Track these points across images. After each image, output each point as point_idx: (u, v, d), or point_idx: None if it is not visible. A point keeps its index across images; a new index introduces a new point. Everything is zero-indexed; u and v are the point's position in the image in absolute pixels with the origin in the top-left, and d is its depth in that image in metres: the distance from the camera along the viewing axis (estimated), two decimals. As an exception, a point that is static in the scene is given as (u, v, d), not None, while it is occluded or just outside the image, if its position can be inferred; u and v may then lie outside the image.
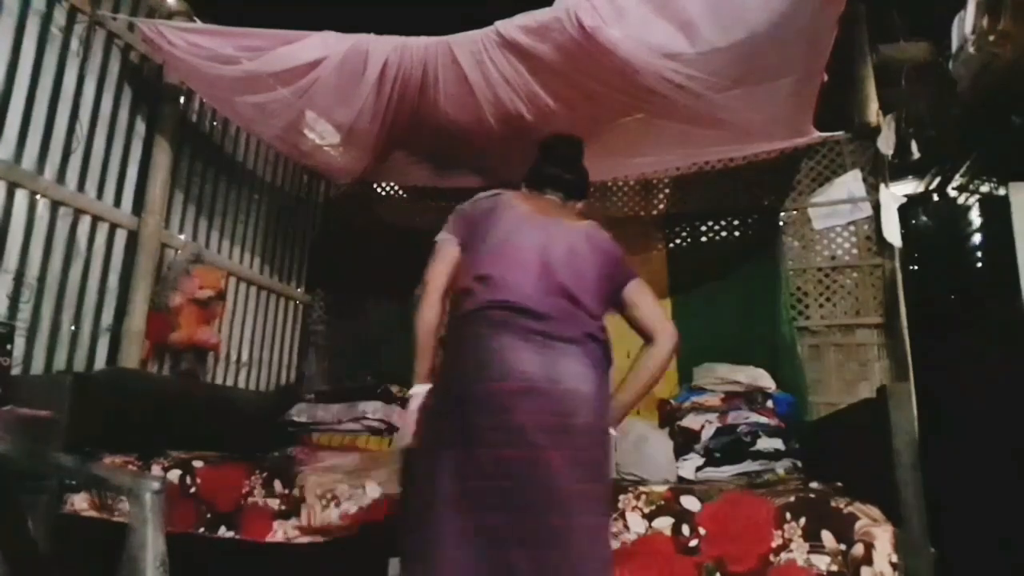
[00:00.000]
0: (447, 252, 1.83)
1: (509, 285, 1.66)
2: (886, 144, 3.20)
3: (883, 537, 1.66)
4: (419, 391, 1.75)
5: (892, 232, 3.13)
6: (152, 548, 1.47)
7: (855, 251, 3.33)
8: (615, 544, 1.88)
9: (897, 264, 3.16)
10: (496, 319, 1.62)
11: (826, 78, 2.75)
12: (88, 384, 2.40)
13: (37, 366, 2.60)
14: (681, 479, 2.62)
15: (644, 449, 2.75)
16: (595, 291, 1.74)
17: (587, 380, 1.62)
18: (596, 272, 1.76)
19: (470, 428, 1.55)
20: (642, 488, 2.01)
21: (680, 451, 2.74)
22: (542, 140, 2.04)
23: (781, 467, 2.64)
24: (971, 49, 2.86)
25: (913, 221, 4.09)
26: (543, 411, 1.55)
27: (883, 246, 3.20)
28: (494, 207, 1.82)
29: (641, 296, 1.82)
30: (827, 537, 1.73)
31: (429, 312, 1.77)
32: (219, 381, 3.53)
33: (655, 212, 3.72)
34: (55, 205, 2.71)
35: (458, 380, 1.62)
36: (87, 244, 2.86)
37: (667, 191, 3.71)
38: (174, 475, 2.27)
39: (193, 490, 2.25)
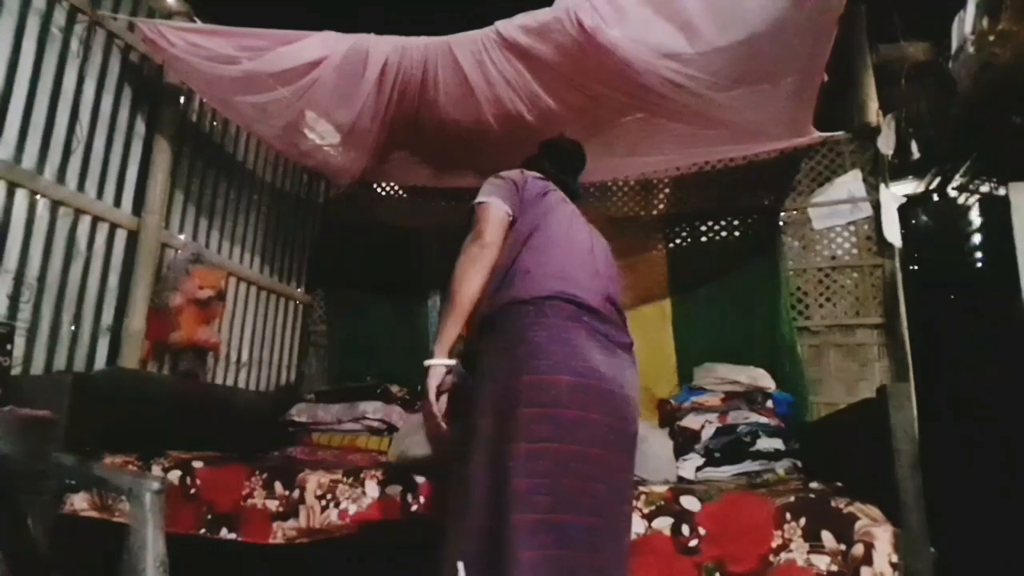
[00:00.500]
0: (501, 217, 1.71)
1: (576, 280, 1.62)
2: (886, 144, 3.20)
3: (883, 537, 1.66)
4: (442, 363, 1.62)
5: (892, 232, 3.13)
6: (152, 548, 1.47)
7: (855, 251, 3.33)
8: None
9: (897, 264, 3.16)
10: (564, 311, 1.57)
11: (826, 78, 2.75)
12: (88, 384, 2.40)
13: (37, 366, 2.60)
14: (681, 479, 2.62)
15: (644, 449, 2.72)
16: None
17: (636, 388, 1.65)
18: (620, 284, 1.80)
19: (554, 418, 1.47)
20: (642, 488, 2.01)
21: (680, 451, 2.74)
22: (547, 140, 2.02)
23: (781, 467, 2.63)
24: (971, 49, 2.87)
25: (913, 221, 4.09)
26: (615, 414, 1.55)
27: (883, 246, 3.20)
28: (546, 192, 1.78)
29: None
30: (827, 537, 1.73)
31: (481, 277, 1.65)
32: (219, 381, 3.53)
33: (655, 212, 3.71)
34: (55, 205, 2.71)
35: (542, 368, 1.51)
36: (87, 244, 2.86)
37: (667, 191, 3.71)
38: (174, 476, 2.27)
39: (193, 491, 2.25)
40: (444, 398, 1.63)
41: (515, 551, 1.37)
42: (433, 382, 1.63)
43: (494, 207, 1.74)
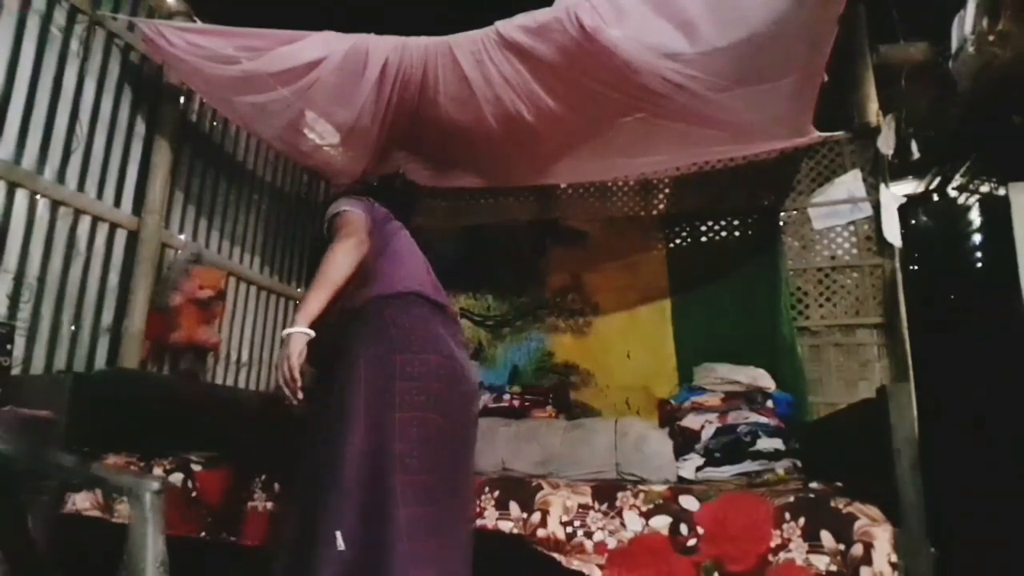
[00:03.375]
0: (364, 221, 1.86)
1: (426, 284, 1.88)
2: (886, 144, 3.20)
3: (883, 537, 1.66)
4: (303, 332, 1.66)
5: (892, 232, 3.13)
6: (152, 548, 1.47)
7: (855, 251, 3.33)
8: (612, 543, 1.89)
9: (897, 264, 3.16)
10: (428, 308, 1.83)
11: (826, 78, 2.75)
12: (88, 384, 2.40)
13: (37, 366, 2.60)
14: (681, 479, 2.62)
15: (644, 449, 2.75)
16: None
17: (475, 374, 1.93)
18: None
19: (429, 392, 1.68)
20: (640, 487, 2.01)
21: (680, 451, 2.74)
22: (383, 175, 2.29)
23: (781, 467, 2.63)
24: (971, 49, 2.86)
25: (913, 221, 4.09)
26: (468, 395, 1.83)
27: (883, 246, 3.20)
28: (389, 219, 1.99)
29: None
30: (826, 537, 1.73)
31: (351, 265, 1.75)
32: (219, 381, 3.53)
33: (655, 212, 3.72)
34: (55, 205, 2.71)
35: (411, 347, 1.71)
36: (87, 244, 2.87)
37: (667, 191, 3.71)
38: (176, 478, 2.26)
39: (194, 494, 2.25)
40: (303, 368, 1.66)
41: (392, 510, 1.54)
42: (295, 348, 1.65)
43: (358, 215, 1.87)
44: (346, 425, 1.63)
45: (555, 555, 1.93)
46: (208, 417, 2.91)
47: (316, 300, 1.70)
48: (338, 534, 1.53)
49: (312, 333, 1.67)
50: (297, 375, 1.64)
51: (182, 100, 3.35)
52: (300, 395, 1.65)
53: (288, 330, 1.68)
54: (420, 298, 1.83)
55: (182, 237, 3.35)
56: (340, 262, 1.74)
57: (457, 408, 1.75)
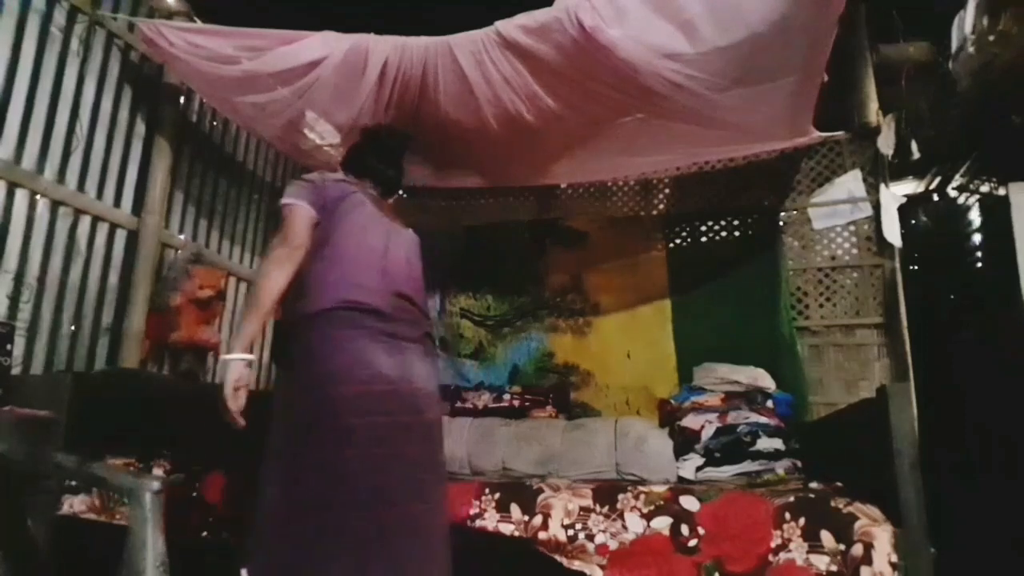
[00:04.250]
0: (305, 218, 1.75)
1: (361, 285, 1.73)
2: (886, 144, 3.20)
3: (883, 537, 1.66)
4: (240, 358, 1.66)
5: (892, 232, 3.13)
6: (152, 548, 1.47)
7: (855, 251, 3.33)
8: (614, 544, 1.89)
9: (897, 264, 3.16)
10: (349, 318, 1.69)
11: (826, 78, 2.75)
12: (88, 384, 2.40)
13: (37, 366, 2.60)
14: (681, 479, 2.62)
15: (644, 449, 2.75)
16: (423, 293, 1.91)
17: (431, 378, 1.77)
18: (422, 278, 1.94)
19: (340, 429, 1.61)
20: (641, 488, 2.02)
21: (680, 451, 2.74)
22: (367, 128, 2.09)
23: (781, 467, 2.63)
24: (971, 49, 2.86)
25: (913, 221, 4.09)
26: (404, 411, 1.68)
27: (883, 246, 3.20)
28: (343, 196, 1.83)
29: None
30: (826, 537, 1.73)
31: (285, 278, 1.70)
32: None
33: (655, 212, 3.71)
34: (55, 205, 2.71)
35: (327, 380, 1.65)
36: (87, 244, 2.86)
37: (667, 191, 3.71)
38: (177, 479, 2.27)
39: (195, 494, 2.25)
40: (242, 393, 1.66)
41: (296, 560, 1.56)
42: (231, 376, 1.64)
43: (301, 209, 1.77)
44: (266, 458, 1.68)
45: (556, 556, 1.94)
46: (208, 417, 2.90)
47: (250, 325, 1.69)
48: (243, 572, 1.61)
49: (250, 357, 1.68)
50: (232, 404, 1.63)
51: (182, 100, 3.35)
52: (241, 421, 1.65)
53: (224, 357, 1.69)
54: (344, 311, 1.70)
55: (182, 237, 3.35)
56: (270, 285, 1.68)
57: (387, 432, 1.65)
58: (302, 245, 1.73)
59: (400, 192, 2.05)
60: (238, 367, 1.64)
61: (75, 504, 2.26)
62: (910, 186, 4.28)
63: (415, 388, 1.72)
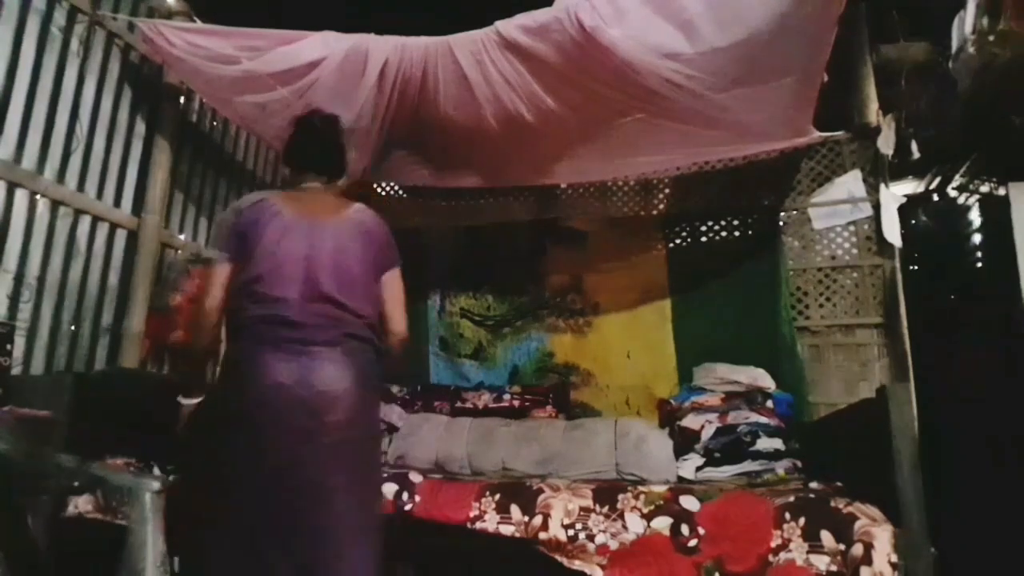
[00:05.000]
0: (221, 275, 1.83)
1: (273, 299, 1.74)
2: (886, 144, 3.20)
3: (883, 537, 1.66)
4: (187, 403, 1.93)
5: (892, 232, 3.12)
6: (152, 548, 1.47)
7: (855, 251, 3.33)
8: (614, 544, 1.89)
9: (897, 264, 3.16)
10: (259, 333, 1.73)
11: (826, 78, 2.74)
12: (88, 384, 2.40)
13: (37, 366, 2.60)
14: (681, 479, 2.62)
15: (644, 449, 2.75)
16: (363, 286, 1.84)
17: (342, 379, 1.72)
18: (363, 266, 1.85)
19: (240, 441, 1.68)
20: (641, 488, 2.02)
21: (680, 451, 2.74)
22: (297, 117, 2.06)
23: (781, 467, 2.64)
24: (971, 49, 2.86)
25: (913, 221, 4.08)
26: (298, 414, 1.67)
27: (883, 246, 3.20)
28: (258, 218, 1.83)
29: (391, 287, 1.92)
30: (826, 537, 1.73)
31: (206, 335, 1.84)
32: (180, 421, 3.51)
33: (655, 212, 3.71)
34: (55, 205, 2.71)
35: (231, 395, 1.74)
36: (87, 244, 2.86)
37: (667, 191, 3.71)
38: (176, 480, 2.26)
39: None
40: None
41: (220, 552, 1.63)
42: (182, 420, 1.91)
43: (218, 269, 1.84)
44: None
45: (557, 556, 1.94)
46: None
47: (193, 375, 1.99)
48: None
49: (196, 400, 1.92)
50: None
51: (182, 100, 3.35)
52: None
53: (183, 401, 1.93)
54: (251, 327, 1.74)
55: (182, 237, 3.35)
56: (198, 341, 1.86)
57: (283, 439, 1.66)
58: (215, 307, 1.80)
59: (344, 176, 2.03)
60: (186, 411, 1.92)
61: (80, 504, 2.26)
62: (910, 186, 4.28)
63: (319, 391, 1.68)
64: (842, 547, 1.70)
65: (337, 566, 1.64)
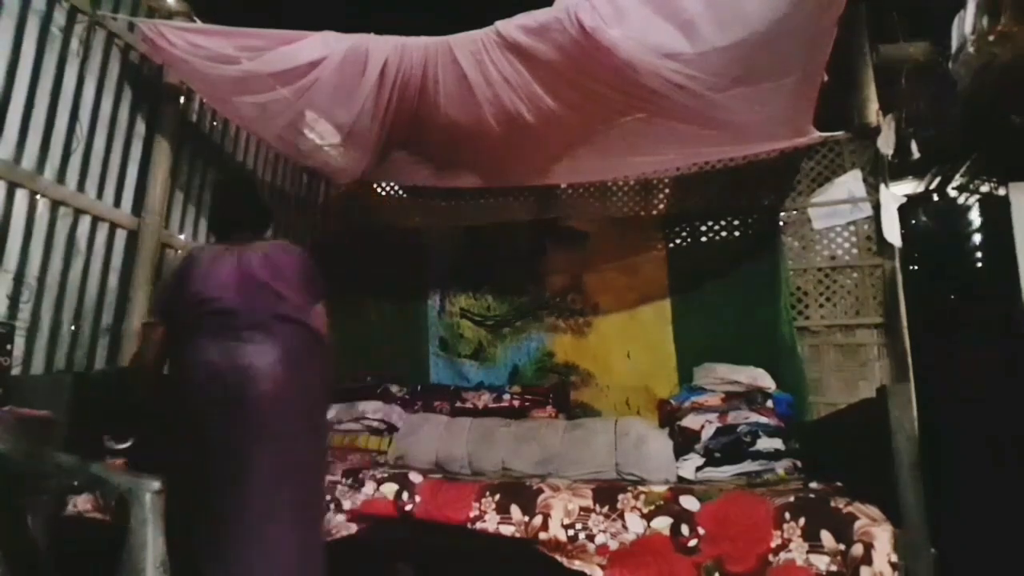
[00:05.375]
0: (158, 335, 1.99)
1: (211, 299, 1.91)
2: (886, 144, 3.20)
3: (882, 537, 1.66)
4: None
5: (892, 232, 3.13)
6: (152, 548, 1.47)
7: (855, 251, 3.33)
8: (614, 544, 1.88)
9: (897, 264, 3.16)
10: (197, 324, 1.89)
11: (826, 78, 2.74)
12: (88, 384, 2.40)
13: (37, 366, 2.60)
14: (681, 479, 2.62)
15: (644, 449, 2.75)
16: (295, 281, 2.00)
17: (266, 353, 1.86)
18: (294, 268, 2.03)
19: (181, 420, 1.84)
20: (641, 488, 2.02)
21: (680, 451, 2.74)
22: (216, 184, 2.39)
23: (781, 467, 2.64)
24: (971, 49, 2.86)
25: (913, 221, 4.08)
26: (223, 388, 1.81)
27: (883, 246, 3.20)
28: (185, 270, 2.03)
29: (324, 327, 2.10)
30: (826, 537, 1.73)
31: (147, 387, 2.03)
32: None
33: (655, 212, 3.71)
34: (55, 205, 2.71)
35: (177, 376, 1.93)
36: (87, 244, 2.86)
37: (667, 191, 3.71)
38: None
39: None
40: None
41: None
42: None
43: (155, 329, 2.01)
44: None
45: (557, 556, 1.94)
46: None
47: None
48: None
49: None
50: None
51: (182, 100, 3.35)
52: None
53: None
54: (195, 320, 1.90)
55: (182, 237, 3.35)
56: (142, 393, 2.07)
57: (213, 415, 1.80)
58: (151, 362, 1.97)
59: (268, 227, 2.30)
60: None
61: (79, 503, 2.26)
62: (910, 186, 4.28)
63: (240, 365, 1.83)
64: (842, 547, 1.70)
65: (248, 541, 1.70)
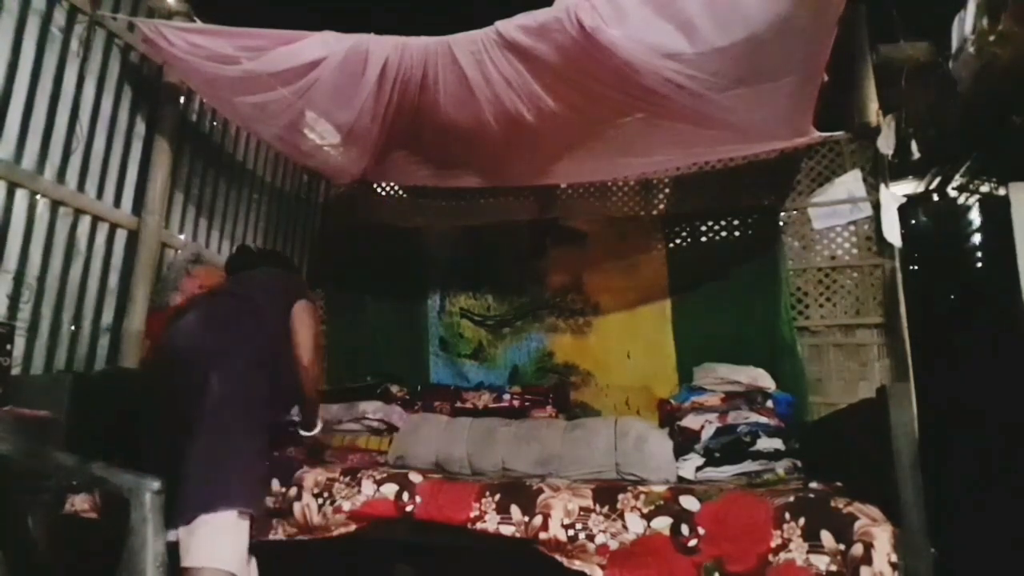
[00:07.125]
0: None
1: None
2: (886, 144, 3.20)
3: (882, 537, 1.66)
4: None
5: (892, 232, 3.13)
6: (152, 548, 1.47)
7: (855, 251, 3.33)
8: (614, 544, 1.88)
9: (897, 264, 3.16)
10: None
11: (826, 78, 2.75)
12: (88, 384, 2.40)
13: (37, 366, 2.60)
14: (681, 479, 2.62)
15: (644, 449, 2.75)
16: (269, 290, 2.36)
17: (222, 315, 2.24)
18: (271, 283, 2.41)
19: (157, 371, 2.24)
20: (641, 488, 2.02)
21: (680, 451, 2.74)
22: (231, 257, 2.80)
23: (781, 467, 2.63)
24: (971, 49, 2.86)
25: (913, 221, 4.08)
26: (183, 350, 2.14)
27: (883, 246, 3.20)
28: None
29: (299, 320, 2.33)
30: (826, 537, 1.73)
31: None
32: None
33: (655, 212, 3.71)
34: (55, 205, 2.71)
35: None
36: (87, 244, 2.86)
37: (667, 191, 3.71)
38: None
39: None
40: None
41: None
42: None
43: None
44: None
45: (557, 556, 1.94)
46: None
47: None
48: None
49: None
50: None
51: (182, 100, 3.35)
52: None
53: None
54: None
55: (182, 237, 3.35)
56: None
57: (175, 366, 2.10)
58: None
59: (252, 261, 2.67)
60: None
61: (77, 502, 2.26)
62: (910, 186, 4.28)
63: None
64: (842, 547, 1.70)
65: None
